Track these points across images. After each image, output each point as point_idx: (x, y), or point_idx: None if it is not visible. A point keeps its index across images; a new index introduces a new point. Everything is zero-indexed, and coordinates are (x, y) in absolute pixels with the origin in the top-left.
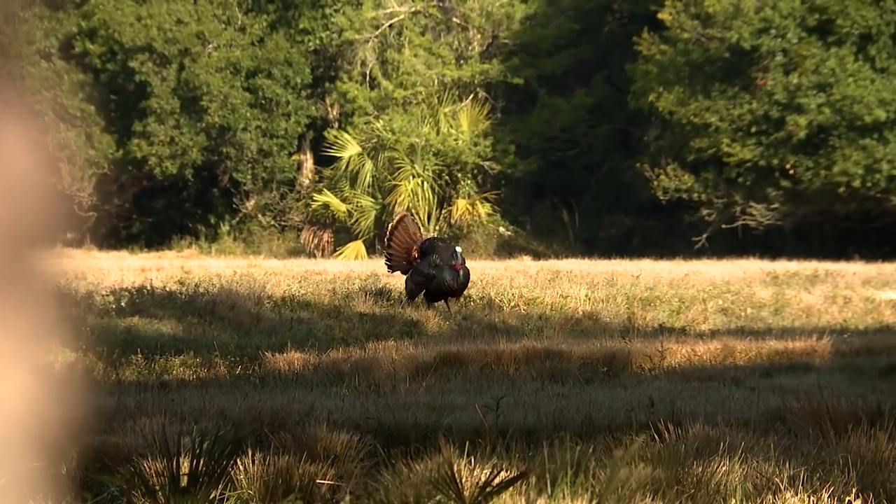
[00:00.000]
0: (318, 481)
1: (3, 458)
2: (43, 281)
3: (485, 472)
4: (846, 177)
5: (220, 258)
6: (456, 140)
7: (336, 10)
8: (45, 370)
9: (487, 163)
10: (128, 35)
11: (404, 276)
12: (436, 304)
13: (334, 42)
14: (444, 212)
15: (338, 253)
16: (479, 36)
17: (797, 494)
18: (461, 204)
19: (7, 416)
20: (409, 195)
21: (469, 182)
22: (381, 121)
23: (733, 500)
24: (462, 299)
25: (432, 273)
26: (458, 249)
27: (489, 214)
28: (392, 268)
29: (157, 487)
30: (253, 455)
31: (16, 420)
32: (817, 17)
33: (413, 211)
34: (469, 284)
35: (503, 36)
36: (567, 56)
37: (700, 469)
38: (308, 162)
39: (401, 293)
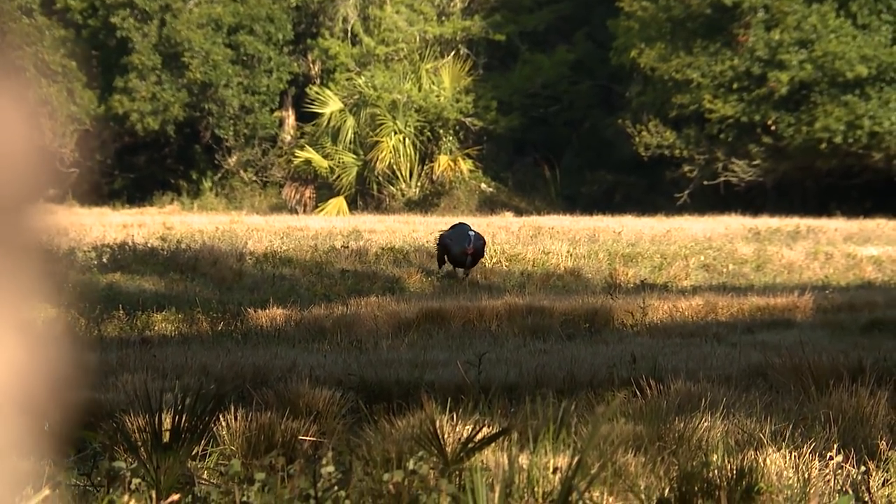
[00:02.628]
0: (300, 437)
1: None
2: (27, 239)
3: (467, 428)
4: (828, 133)
5: (202, 214)
6: (438, 96)
7: None
8: (28, 327)
9: (469, 119)
10: None
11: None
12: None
13: None
14: (425, 168)
15: (319, 209)
16: None
17: (779, 450)
18: (443, 160)
19: None
20: (390, 151)
21: (451, 138)
22: (362, 77)
23: (715, 456)
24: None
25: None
26: (471, 233)
27: (471, 171)
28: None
29: (140, 443)
30: (235, 411)
31: None
32: None
33: (395, 167)
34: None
35: None
36: (549, 12)
37: (682, 425)
38: (290, 118)
39: (381, 249)
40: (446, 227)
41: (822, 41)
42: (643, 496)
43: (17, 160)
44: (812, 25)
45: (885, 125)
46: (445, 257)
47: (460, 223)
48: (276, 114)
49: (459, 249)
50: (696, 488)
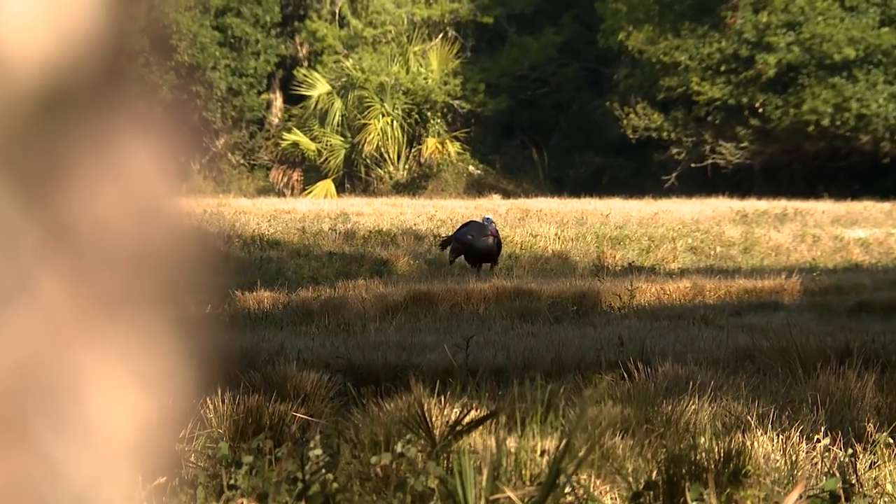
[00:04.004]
0: (293, 413)
1: None
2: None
3: (455, 411)
4: (815, 115)
5: (189, 197)
6: (425, 79)
7: None
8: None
9: (457, 102)
10: None
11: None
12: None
13: None
14: (413, 150)
15: (307, 192)
16: None
17: (766, 433)
18: (431, 143)
19: None
20: (378, 134)
21: (439, 121)
22: (350, 60)
23: (703, 439)
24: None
25: (467, 240)
26: (487, 218)
27: (459, 153)
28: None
29: None
30: (223, 394)
31: None
32: None
33: (383, 150)
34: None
35: None
36: None
37: (669, 408)
38: (277, 101)
39: (368, 232)
40: (444, 235)
41: (810, 23)
42: (631, 479)
43: (162, 217)
44: (800, 7)
45: (872, 108)
46: (465, 256)
47: (467, 222)
48: (264, 96)
49: (483, 238)
50: (683, 471)
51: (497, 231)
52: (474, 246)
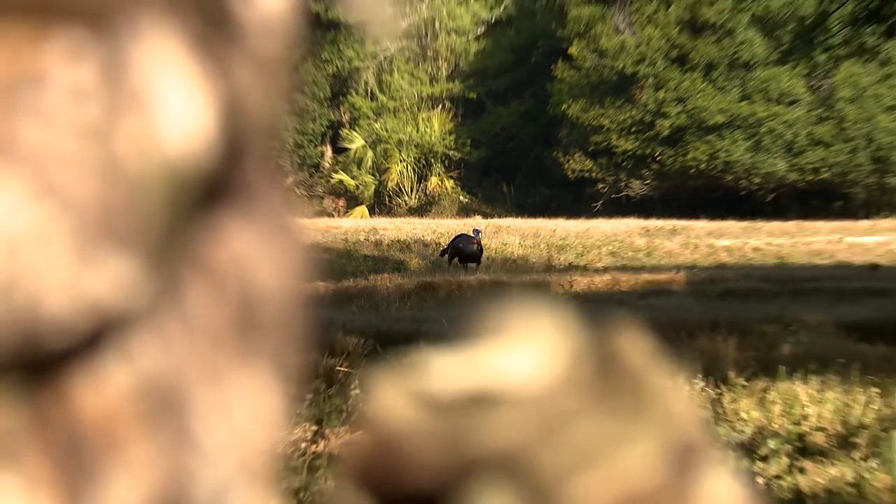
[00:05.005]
0: (337, 368)
1: None
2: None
3: None
4: (696, 162)
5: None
6: (430, 136)
7: (347, 46)
8: None
9: (451, 152)
10: None
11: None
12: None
13: (346, 68)
14: (422, 185)
15: (348, 214)
16: (445, 64)
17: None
18: (434, 180)
19: None
20: (397, 174)
21: (439, 165)
22: (378, 123)
23: None
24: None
25: (458, 247)
26: (475, 231)
27: (452, 187)
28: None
29: None
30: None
31: None
32: (677, 51)
33: (401, 185)
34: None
35: (462, 64)
36: (506, 78)
37: None
38: (328, 151)
39: (391, 241)
40: (442, 246)
41: (693, 98)
42: None
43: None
44: (686, 88)
45: (733, 157)
46: (458, 258)
47: (459, 234)
48: (319, 148)
49: (469, 246)
50: None
51: (480, 240)
52: (463, 251)
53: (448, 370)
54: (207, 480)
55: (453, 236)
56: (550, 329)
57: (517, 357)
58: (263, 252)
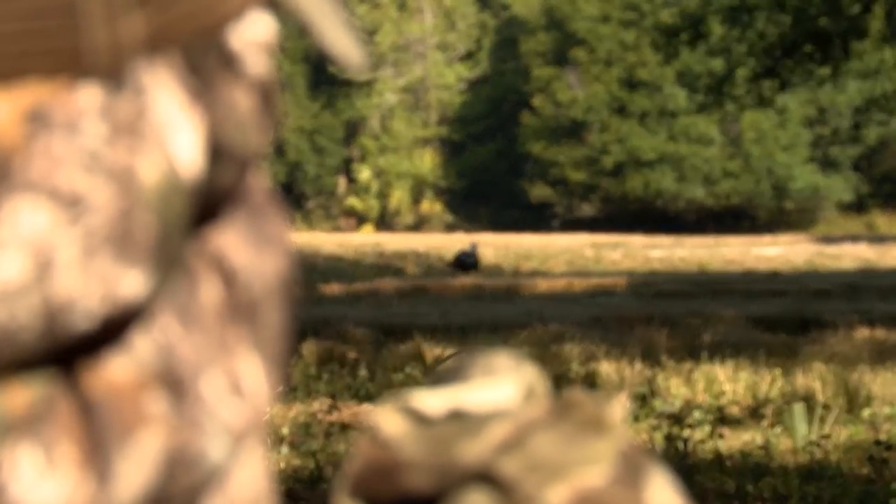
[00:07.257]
0: (348, 355)
1: None
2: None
3: (437, 350)
4: (633, 190)
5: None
6: (423, 169)
7: (358, 99)
8: None
9: (440, 181)
10: None
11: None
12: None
13: (357, 115)
14: (416, 208)
15: (358, 230)
16: (435, 112)
17: (608, 362)
18: (426, 204)
19: None
20: (399, 200)
21: (430, 191)
22: (382, 159)
23: (573, 364)
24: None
25: (460, 259)
26: (472, 246)
27: (441, 209)
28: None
29: None
30: (312, 340)
31: None
32: (618, 103)
33: (400, 208)
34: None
35: (448, 113)
36: (483, 123)
37: (555, 348)
38: (342, 181)
39: (393, 252)
40: (435, 254)
41: (630, 139)
42: None
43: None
44: (625, 131)
45: (663, 186)
46: (461, 267)
47: (461, 250)
48: (335, 178)
49: (469, 258)
50: (561, 385)
51: (476, 253)
52: (465, 262)
53: (434, 397)
54: (215, 444)
55: (457, 251)
56: (513, 368)
57: (490, 387)
58: (254, 252)
